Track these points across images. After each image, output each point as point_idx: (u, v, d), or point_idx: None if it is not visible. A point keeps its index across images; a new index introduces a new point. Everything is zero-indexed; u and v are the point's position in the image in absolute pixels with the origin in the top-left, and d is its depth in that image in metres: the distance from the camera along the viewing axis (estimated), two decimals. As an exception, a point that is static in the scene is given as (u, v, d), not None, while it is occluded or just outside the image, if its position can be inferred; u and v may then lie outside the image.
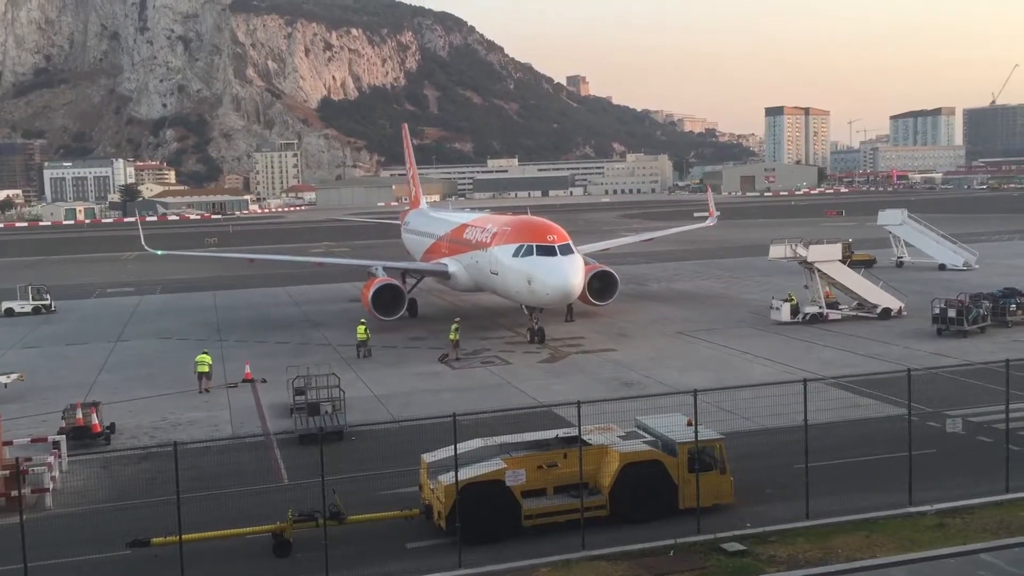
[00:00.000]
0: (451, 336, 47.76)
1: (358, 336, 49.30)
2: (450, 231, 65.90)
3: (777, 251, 54.93)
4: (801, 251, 53.71)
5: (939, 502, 24.84)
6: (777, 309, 54.20)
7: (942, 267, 77.36)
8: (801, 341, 48.69)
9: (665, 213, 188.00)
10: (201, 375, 41.59)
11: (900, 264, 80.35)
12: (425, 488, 24.90)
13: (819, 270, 53.93)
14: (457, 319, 50.23)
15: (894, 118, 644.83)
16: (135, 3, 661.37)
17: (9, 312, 68.96)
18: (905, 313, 54.11)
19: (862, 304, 54.69)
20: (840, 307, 54.72)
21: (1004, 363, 27.65)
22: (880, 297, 54.74)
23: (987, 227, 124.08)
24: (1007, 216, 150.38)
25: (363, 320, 51.15)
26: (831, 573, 21.38)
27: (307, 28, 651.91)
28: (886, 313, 53.88)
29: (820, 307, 53.91)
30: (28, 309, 69.54)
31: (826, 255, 54.13)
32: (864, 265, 77.44)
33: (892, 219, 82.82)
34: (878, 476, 26.92)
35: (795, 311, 53.66)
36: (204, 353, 42.90)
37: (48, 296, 71.45)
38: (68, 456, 30.88)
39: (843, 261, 78.11)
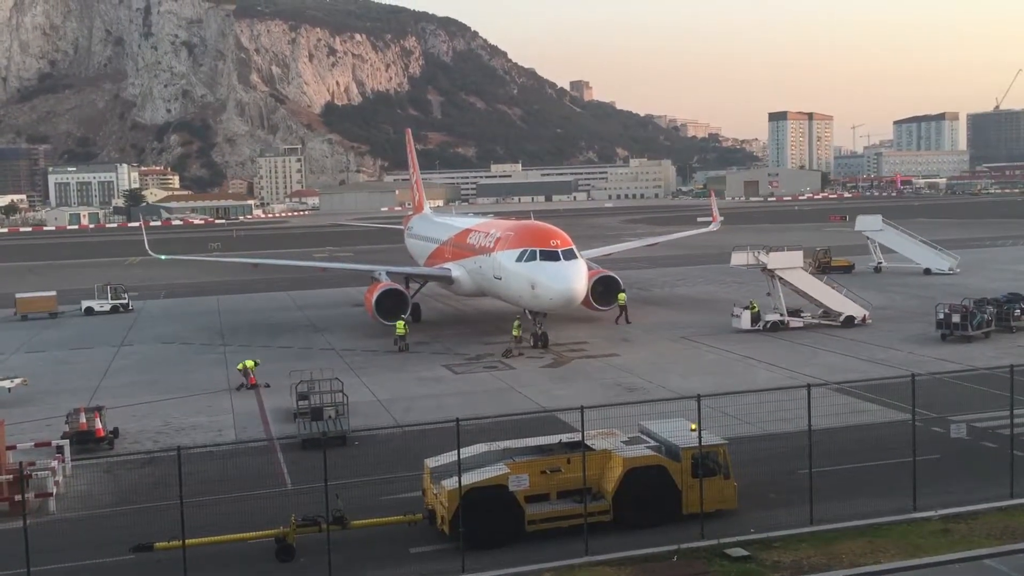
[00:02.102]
0: (514, 332, 49.23)
1: (397, 331, 51.19)
2: (453, 236, 65.92)
3: (739, 258, 54.52)
4: (762, 258, 53.30)
5: (943, 507, 24.78)
6: (737, 317, 53.58)
7: (927, 271, 77.56)
8: (804, 346, 48.63)
9: (668, 218, 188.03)
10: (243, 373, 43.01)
11: (878, 269, 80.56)
12: (428, 493, 24.90)
13: (780, 277, 53.45)
14: (519, 315, 50.46)
15: (898, 123, 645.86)
16: (139, 9, 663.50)
17: (89, 311, 71.02)
18: (870, 321, 53.55)
19: (827, 312, 54.11)
20: (802, 315, 53.99)
21: (1008, 368, 27.58)
22: (844, 305, 54.03)
23: (982, 233, 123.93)
24: (1005, 221, 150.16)
25: (401, 316, 53.29)
26: (835, 579, 21.34)
27: (311, 33, 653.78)
28: (849, 321, 53.19)
29: (781, 315, 53.27)
30: (107, 308, 71.73)
31: (786, 262, 53.47)
32: (843, 271, 78.61)
33: (871, 225, 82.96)
34: (882, 481, 26.86)
35: (756, 319, 53.06)
36: (252, 361, 44.38)
37: (126, 295, 73.47)
38: (72, 461, 30.90)
39: (822, 267, 79.64)
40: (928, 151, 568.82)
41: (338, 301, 73.87)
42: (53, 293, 73.17)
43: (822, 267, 79.81)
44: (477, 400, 38.67)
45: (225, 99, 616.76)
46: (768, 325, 52.82)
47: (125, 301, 72.83)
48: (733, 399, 32.34)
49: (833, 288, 54.95)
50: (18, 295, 72.34)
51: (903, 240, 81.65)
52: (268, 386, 42.48)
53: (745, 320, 52.97)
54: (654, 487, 24.31)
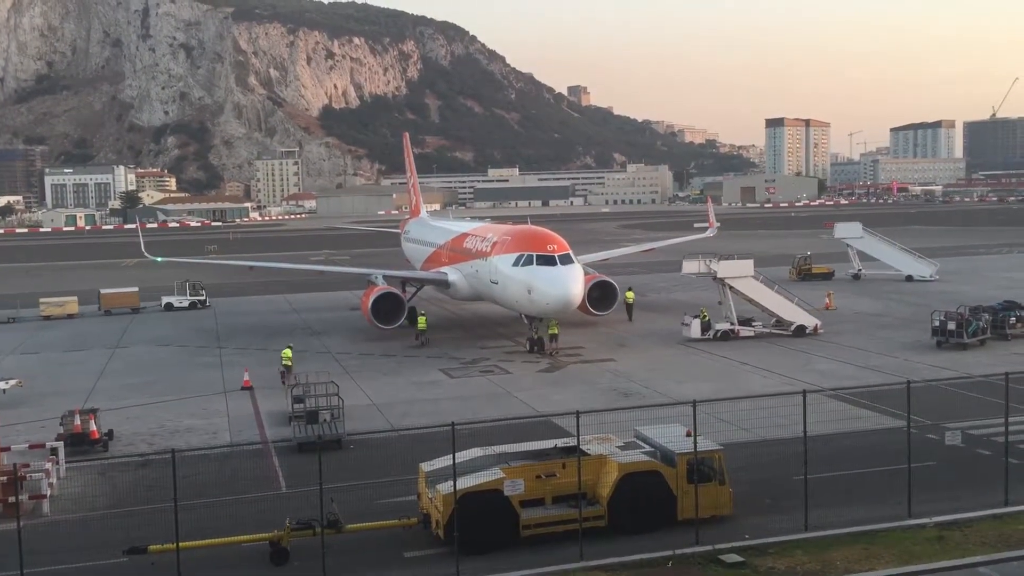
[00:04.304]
0: (552, 331, 49.75)
1: (419, 326, 54.32)
2: (450, 240, 65.96)
3: (690, 267, 54.46)
4: (713, 267, 53.17)
5: (938, 515, 24.81)
6: (687, 325, 53.31)
7: (909, 278, 78.00)
8: (800, 352, 48.71)
9: (665, 224, 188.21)
10: (286, 369, 44.15)
11: (856, 277, 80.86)
12: (423, 497, 24.87)
13: (731, 286, 53.22)
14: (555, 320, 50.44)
15: (894, 130, 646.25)
16: (138, 10, 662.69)
17: (168, 307, 74.04)
18: (821, 331, 53.32)
19: (780, 321, 53.79)
20: (753, 324, 53.71)
21: (1004, 376, 27.64)
22: (795, 314, 53.76)
23: (978, 240, 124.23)
24: (1001, 230, 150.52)
25: (423, 312, 56.64)
26: (829, 585, 21.35)
27: (309, 36, 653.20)
28: (800, 331, 52.91)
29: (732, 324, 53.01)
30: (185, 304, 74.38)
31: (736, 271, 53.31)
32: (823, 278, 79.57)
33: (850, 232, 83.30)
34: (877, 488, 26.87)
35: (706, 327, 52.85)
36: (288, 348, 46.31)
37: (203, 292, 75.77)
38: (66, 462, 30.81)
39: (803, 274, 79.56)
40: (925, 159, 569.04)
41: (334, 304, 73.84)
42: (136, 289, 75.76)
43: (803, 274, 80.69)
44: (473, 404, 38.70)
45: (223, 102, 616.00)
46: (718, 334, 52.62)
47: (203, 297, 75.15)
48: (729, 405, 32.36)
49: (784, 297, 54.53)
50: (103, 291, 74.86)
51: (884, 247, 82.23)
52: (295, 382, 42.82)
53: (695, 329, 52.76)
54: (649, 492, 24.32)
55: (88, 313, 71.93)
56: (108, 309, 72.50)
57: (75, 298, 72.71)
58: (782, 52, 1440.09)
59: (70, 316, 70.67)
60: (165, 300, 74.45)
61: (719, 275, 53.10)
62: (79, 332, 63.67)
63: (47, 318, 69.94)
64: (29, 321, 69.19)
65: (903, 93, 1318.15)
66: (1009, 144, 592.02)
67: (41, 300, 72.52)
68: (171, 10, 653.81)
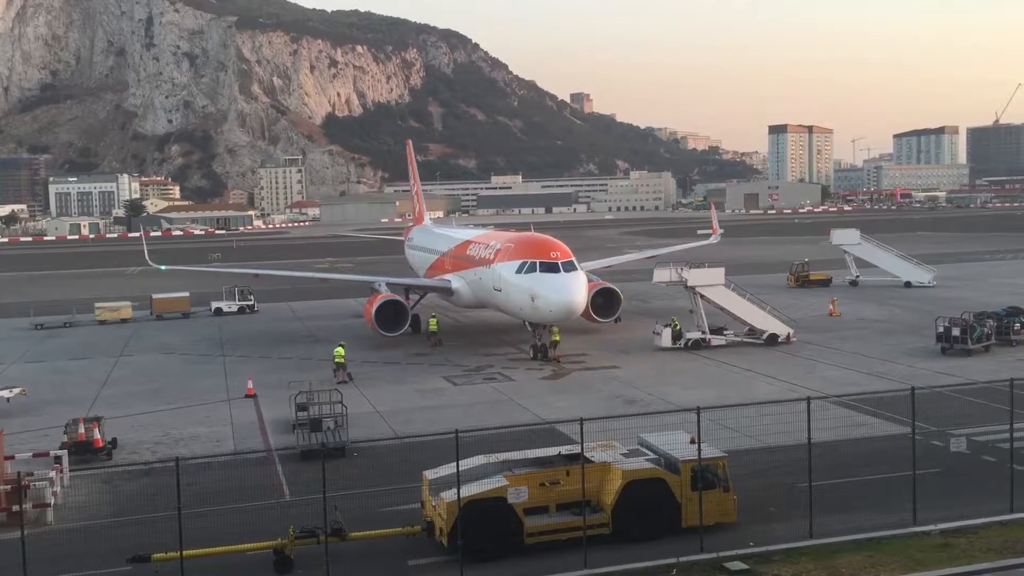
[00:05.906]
0: (555, 337, 50.28)
1: (430, 328, 55.98)
2: (453, 247, 65.99)
3: (661, 275, 54.26)
4: (684, 275, 52.91)
5: (943, 521, 24.72)
6: (658, 334, 53.03)
7: (908, 284, 78.07)
8: (804, 359, 48.64)
9: (668, 230, 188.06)
10: (338, 366, 45.18)
11: (854, 283, 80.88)
12: (427, 505, 24.85)
13: (701, 294, 53.03)
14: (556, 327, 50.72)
15: (897, 136, 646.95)
16: (142, 20, 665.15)
17: (218, 311, 75.06)
18: (794, 340, 53.07)
19: (753, 330, 53.44)
20: (725, 332, 53.38)
21: (1008, 382, 27.56)
22: (767, 323, 53.38)
23: (982, 246, 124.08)
24: (1005, 235, 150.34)
25: (434, 315, 58.17)
26: (835, 593, 21.28)
27: (312, 45, 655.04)
28: (772, 339, 52.59)
29: (703, 332, 52.79)
30: (235, 309, 75.67)
31: (707, 279, 53.06)
32: (821, 284, 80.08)
33: (848, 239, 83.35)
34: (882, 495, 26.80)
35: (678, 336, 52.57)
36: (340, 346, 47.41)
37: (252, 297, 77.20)
38: (70, 471, 30.87)
39: (801, 280, 79.53)
40: (928, 165, 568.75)
41: (338, 312, 73.88)
42: (187, 294, 76.59)
43: (801, 281, 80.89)
44: (476, 412, 38.66)
45: (226, 110, 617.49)
46: (689, 343, 52.37)
47: (251, 303, 76.34)
48: (733, 412, 32.33)
49: (756, 305, 54.15)
50: (155, 296, 76.19)
51: (881, 254, 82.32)
52: (351, 377, 44.93)
53: (666, 338, 52.49)
54: (653, 500, 24.27)
55: (141, 318, 73.21)
56: (160, 314, 73.69)
57: (129, 303, 74.52)
58: (785, 59, 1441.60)
59: (124, 320, 71.81)
60: (215, 305, 75.45)
61: (689, 283, 52.90)
62: (83, 340, 63.71)
63: (102, 322, 71.12)
64: (85, 326, 69.89)
65: (906, 99, 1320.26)
66: (1012, 150, 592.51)
67: (96, 305, 73.84)
68: (175, 19, 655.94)
